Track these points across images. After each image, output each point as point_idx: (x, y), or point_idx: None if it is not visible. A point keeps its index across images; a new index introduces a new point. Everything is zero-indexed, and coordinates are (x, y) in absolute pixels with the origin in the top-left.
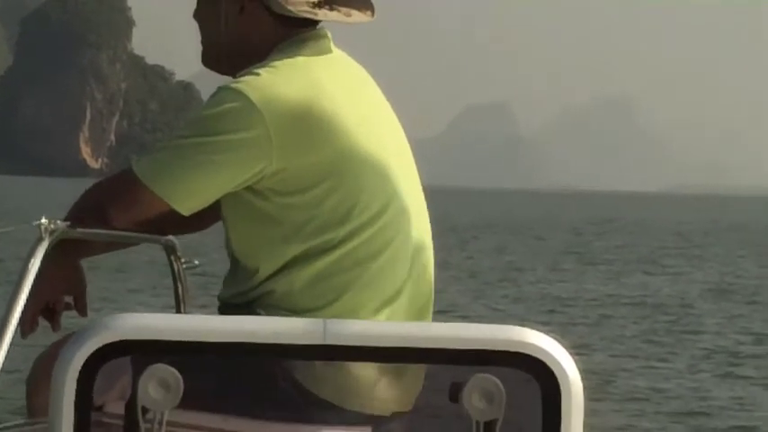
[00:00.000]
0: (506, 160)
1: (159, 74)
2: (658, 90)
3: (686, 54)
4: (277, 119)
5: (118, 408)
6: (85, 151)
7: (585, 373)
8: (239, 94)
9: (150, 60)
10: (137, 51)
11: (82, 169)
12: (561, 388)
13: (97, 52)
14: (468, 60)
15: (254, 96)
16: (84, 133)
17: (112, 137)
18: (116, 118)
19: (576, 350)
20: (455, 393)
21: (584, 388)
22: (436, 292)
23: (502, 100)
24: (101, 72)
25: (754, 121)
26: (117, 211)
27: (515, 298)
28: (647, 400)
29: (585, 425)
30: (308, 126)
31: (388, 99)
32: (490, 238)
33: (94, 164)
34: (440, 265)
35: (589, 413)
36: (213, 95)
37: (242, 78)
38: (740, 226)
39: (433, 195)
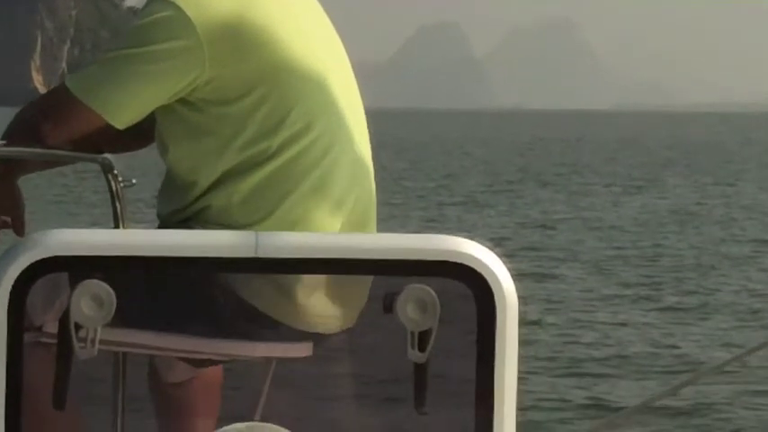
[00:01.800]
0: (458, 81)
1: (110, 1)
2: (601, 12)
3: None
4: (208, 27)
5: (55, 327)
6: (37, 79)
7: (552, 303)
8: (169, 4)
9: None
10: None
11: (34, 97)
12: (496, 298)
13: None
14: None
15: (184, 5)
16: (36, 62)
17: (64, 65)
18: (67, 46)
19: (544, 280)
20: (389, 304)
21: (519, 298)
22: (390, 216)
23: (452, 20)
24: (51, 0)
25: (691, 43)
26: (51, 127)
27: (473, 224)
28: (623, 327)
29: (520, 336)
30: (240, 34)
31: (340, 21)
32: (445, 159)
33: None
34: (393, 188)
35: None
36: (144, 7)
37: None
38: (694, 143)
39: (387, 118)
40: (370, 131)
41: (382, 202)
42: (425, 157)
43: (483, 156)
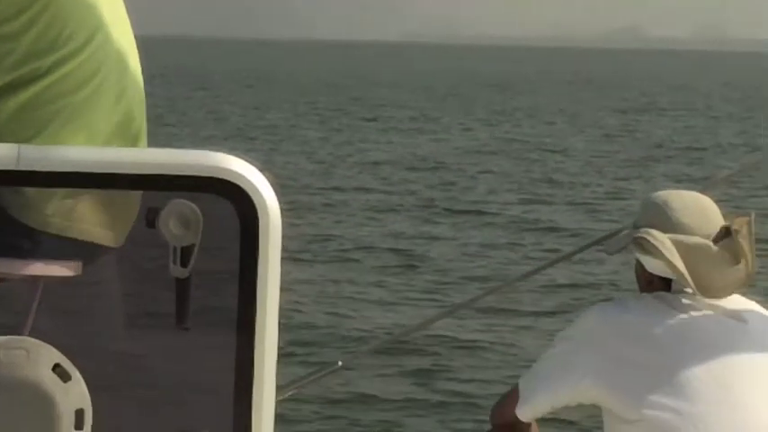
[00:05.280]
0: (233, 8)
1: None
2: None
3: None
4: None
5: None
6: None
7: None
8: None
9: None
10: None
11: None
12: (259, 214)
13: None
14: None
15: None
16: None
17: None
18: None
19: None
20: (152, 219)
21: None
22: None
23: None
24: None
25: None
26: None
27: (273, 159)
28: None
29: (284, 252)
30: None
31: None
32: (244, 91)
33: None
34: (185, 119)
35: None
36: None
37: None
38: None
39: (181, 45)
40: (158, 59)
41: (185, 136)
42: (224, 87)
43: (272, 88)
